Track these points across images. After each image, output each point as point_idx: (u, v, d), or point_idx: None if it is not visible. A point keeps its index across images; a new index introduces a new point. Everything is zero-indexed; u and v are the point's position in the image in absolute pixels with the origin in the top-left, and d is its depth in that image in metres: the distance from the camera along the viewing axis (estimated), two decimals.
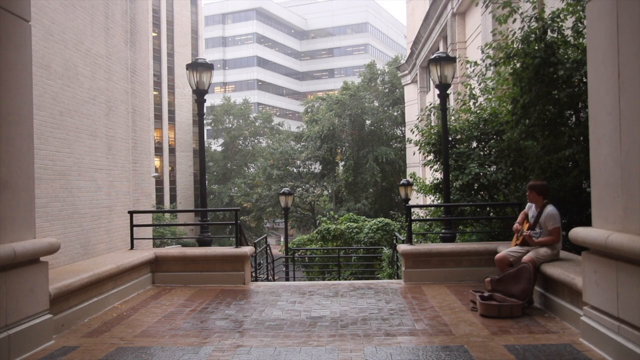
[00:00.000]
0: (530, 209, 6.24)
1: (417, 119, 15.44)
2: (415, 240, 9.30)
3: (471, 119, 10.19)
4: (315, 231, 22.36)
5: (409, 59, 29.78)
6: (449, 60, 9.00)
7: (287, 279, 18.20)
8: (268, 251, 14.67)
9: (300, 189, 40.88)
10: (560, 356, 4.30)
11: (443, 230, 8.92)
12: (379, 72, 42.49)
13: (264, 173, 43.16)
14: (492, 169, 9.45)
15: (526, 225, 6.23)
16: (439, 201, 10.68)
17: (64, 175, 8.47)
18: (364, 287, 7.62)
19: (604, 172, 4.21)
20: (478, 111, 10.21)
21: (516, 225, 6.36)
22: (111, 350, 4.74)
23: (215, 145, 57.20)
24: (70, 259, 8.36)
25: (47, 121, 7.99)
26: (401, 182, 19.64)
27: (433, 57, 9.13)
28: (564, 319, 5.32)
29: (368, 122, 40.36)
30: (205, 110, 9.86)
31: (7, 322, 4.35)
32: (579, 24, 7.25)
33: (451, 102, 14.56)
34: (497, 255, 6.30)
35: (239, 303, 6.67)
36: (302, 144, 41.67)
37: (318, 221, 31.05)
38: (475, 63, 9.95)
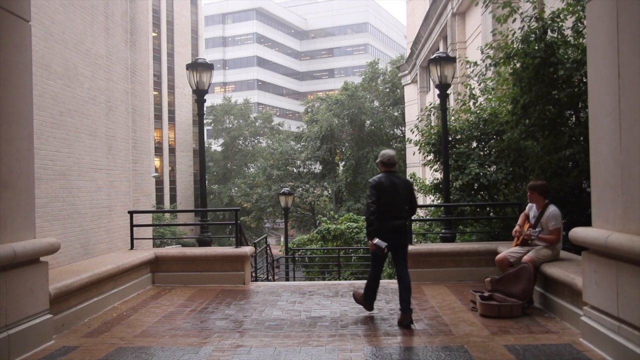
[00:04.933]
0: (532, 209, 6.23)
1: (417, 119, 15.45)
2: (415, 240, 9.30)
3: (471, 119, 10.19)
4: (315, 231, 22.34)
5: (409, 59, 29.77)
6: (449, 60, 9.00)
7: (287, 279, 18.20)
8: (268, 251, 14.67)
9: (300, 189, 40.86)
10: (560, 356, 4.30)
11: (443, 230, 8.92)
12: (381, 70, 42.44)
13: (264, 173, 43.11)
14: (492, 169, 9.45)
15: (527, 226, 6.23)
16: (439, 201, 10.68)
17: (64, 175, 8.46)
18: (364, 287, 7.60)
19: (604, 172, 4.21)
20: (478, 111, 10.21)
21: (516, 228, 6.36)
22: (111, 350, 4.74)
23: (215, 145, 57.18)
24: (70, 259, 8.36)
25: (47, 121, 7.99)
26: None
27: (433, 57, 9.13)
28: (564, 319, 5.32)
29: (368, 122, 40.33)
30: (205, 110, 9.86)
31: (7, 322, 4.35)
32: (579, 24, 7.25)
33: (451, 102, 14.55)
34: (498, 256, 6.30)
35: (239, 303, 6.67)
36: (302, 144, 41.62)
37: (318, 221, 31.01)
38: (475, 63, 9.94)
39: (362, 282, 8.29)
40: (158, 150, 47.78)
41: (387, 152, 5.97)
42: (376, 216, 5.66)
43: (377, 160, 6.05)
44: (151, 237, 12.71)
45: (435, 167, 10.43)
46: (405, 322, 5.45)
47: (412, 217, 7.34)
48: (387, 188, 5.74)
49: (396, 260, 5.88)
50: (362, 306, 6.13)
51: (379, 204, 5.68)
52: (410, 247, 7.92)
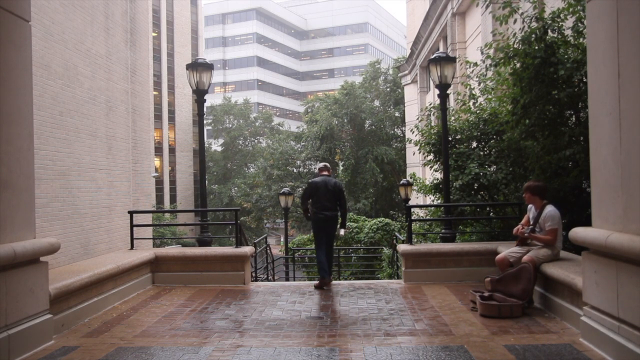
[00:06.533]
0: (531, 210, 6.24)
1: (417, 119, 15.44)
2: (415, 240, 9.30)
3: (471, 119, 10.19)
4: None
5: (409, 59, 29.76)
6: (449, 60, 9.00)
7: (287, 279, 18.20)
8: (268, 251, 14.67)
9: (300, 189, 40.81)
10: (560, 356, 4.30)
11: (443, 230, 8.92)
12: (382, 70, 42.39)
13: (264, 173, 43.11)
14: (492, 169, 9.45)
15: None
16: (439, 201, 10.68)
17: (64, 175, 8.46)
18: (364, 287, 7.62)
19: (604, 172, 4.21)
20: (478, 111, 10.21)
21: (517, 227, 6.36)
22: (111, 350, 4.74)
23: (215, 145, 57.17)
24: (70, 259, 8.36)
25: (47, 121, 7.99)
26: (401, 182, 19.63)
27: (433, 57, 9.12)
28: (564, 319, 5.32)
29: (368, 122, 40.30)
30: (205, 110, 9.85)
31: (7, 322, 4.35)
32: (579, 24, 7.24)
33: (451, 102, 14.55)
34: (498, 256, 6.30)
35: (239, 303, 6.67)
36: (302, 144, 41.63)
37: None
38: (475, 64, 9.94)
39: (362, 282, 8.34)
40: (158, 150, 47.78)
41: (322, 163, 8.40)
42: (306, 207, 7.99)
43: (317, 167, 7.59)
44: (151, 237, 12.71)
45: (435, 167, 10.43)
46: (327, 284, 7.64)
47: (412, 217, 7.63)
48: (320, 187, 7.84)
49: (326, 241, 8.00)
50: (324, 286, 7.62)
51: (313, 199, 7.88)
52: (410, 247, 7.97)
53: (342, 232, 8.21)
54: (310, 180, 8.06)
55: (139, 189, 12.16)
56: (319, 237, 7.95)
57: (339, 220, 8.06)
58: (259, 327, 5.50)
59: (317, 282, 7.68)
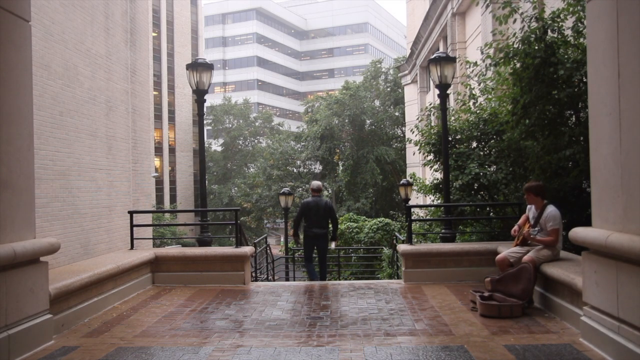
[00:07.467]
0: (531, 210, 6.23)
1: (417, 119, 15.44)
2: (415, 240, 9.30)
3: (471, 119, 10.18)
4: None
5: (409, 59, 29.76)
6: (449, 60, 9.00)
7: (287, 279, 18.19)
8: (268, 251, 14.67)
9: (300, 189, 40.83)
10: (560, 356, 4.30)
11: (443, 230, 8.92)
12: (383, 70, 42.36)
13: (264, 173, 43.10)
14: (492, 169, 9.45)
15: (527, 227, 6.22)
16: (439, 201, 10.68)
17: (64, 175, 8.46)
18: (364, 287, 7.62)
19: (604, 172, 4.21)
20: (478, 111, 10.21)
21: (515, 228, 6.36)
22: (111, 350, 4.74)
23: (215, 145, 57.17)
24: (70, 259, 8.36)
25: (47, 121, 7.98)
26: (401, 182, 19.61)
27: (433, 57, 9.12)
28: (564, 319, 5.32)
29: (368, 122, 40.29)
30: (205, 110, 9.86)
31: (7, 322, 4.35)
32: (579, 24, 7.25)
33: (451, 102, 14.55)
34: (498, 257, 6.30)
35: (239, 303, 6.67)
36: (302, 144, 41.62)
37: None
38: (475, 63, 9.94)
39: (362, 282, 8.34)
40: (158, 150, 47.77)
41: (315, 182, 9.05)
42: (298, 225, 9.00)
43: (309, 187, 9.03)
44: (151, 237, 12.71)
45: (435, 167, 10.43)
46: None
47: (412, 217, 8.00)
48: (312, 207, 8.69)
49: (320, 255, 9.00)
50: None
51: (305, 218, 8.78)
52: (410, 247, 7.98)
53: (332, 245, 9.07)
54: (302, 201, 8.96)
55: (139, 189, 12.16)
56: (308, 250, 8.98)
57: (329, 236, 8.97)
58: (259, 327, 5.50)
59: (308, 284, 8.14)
